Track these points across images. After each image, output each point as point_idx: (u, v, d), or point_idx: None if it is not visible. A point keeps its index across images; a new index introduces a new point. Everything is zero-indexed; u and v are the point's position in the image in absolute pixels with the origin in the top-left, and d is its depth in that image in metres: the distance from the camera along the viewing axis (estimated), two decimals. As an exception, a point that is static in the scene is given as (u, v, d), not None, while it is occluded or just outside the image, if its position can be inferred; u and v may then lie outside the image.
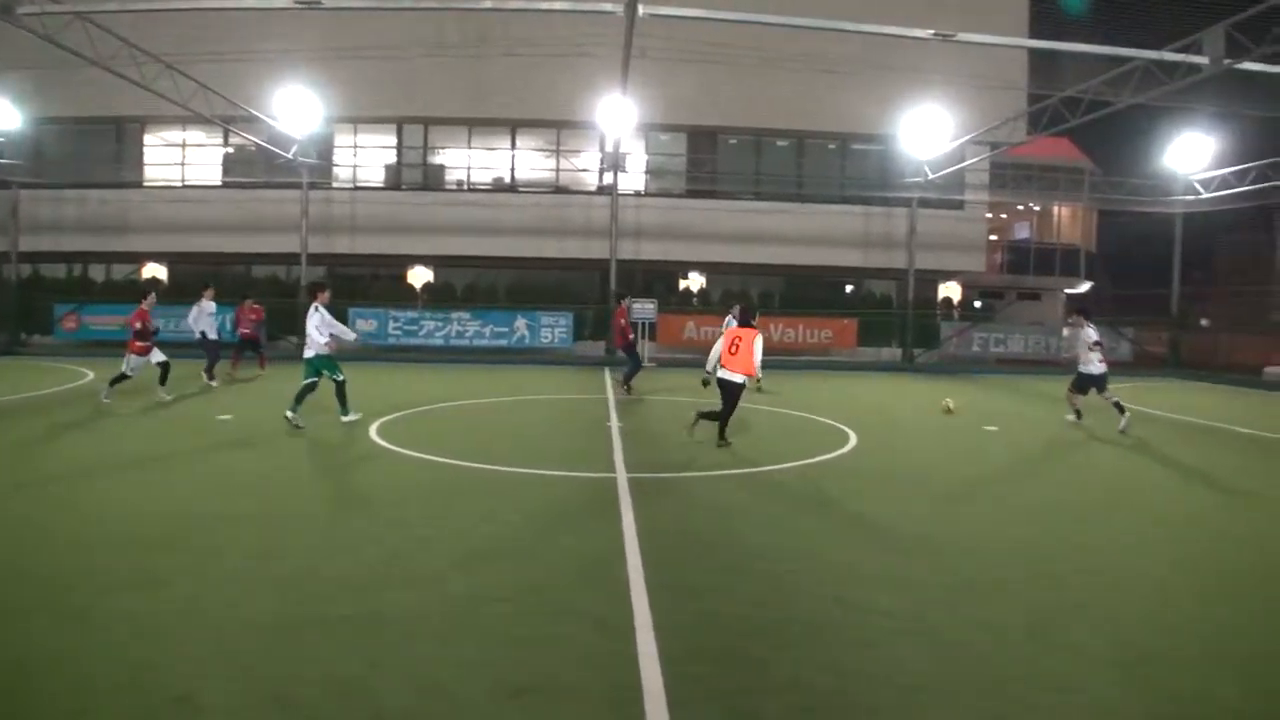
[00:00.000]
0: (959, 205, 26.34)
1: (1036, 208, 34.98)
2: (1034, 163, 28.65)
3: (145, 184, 27.18)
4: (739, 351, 9.54)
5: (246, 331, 16.51)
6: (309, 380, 10.63)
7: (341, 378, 10.86)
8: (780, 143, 26.90)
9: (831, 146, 27.04)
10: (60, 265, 27.82)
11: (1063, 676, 3.83)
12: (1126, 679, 3.82)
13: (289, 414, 10.43)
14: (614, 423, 11.61)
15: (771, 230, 25.41)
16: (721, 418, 9.73)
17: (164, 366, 12.83)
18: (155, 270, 27.14)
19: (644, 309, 22.18)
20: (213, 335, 15.49)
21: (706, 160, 26.38)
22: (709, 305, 26.05)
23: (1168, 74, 15.00)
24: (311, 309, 10.60)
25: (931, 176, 23.92)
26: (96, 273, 28.02)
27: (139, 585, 4.83)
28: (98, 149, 27.37)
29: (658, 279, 25.41)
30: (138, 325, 12.44)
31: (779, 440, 10.51)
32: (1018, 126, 21.28)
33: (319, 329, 10.45)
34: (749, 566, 5.31)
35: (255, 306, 16.91)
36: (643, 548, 5.61)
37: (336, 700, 3.50)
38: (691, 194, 26.28)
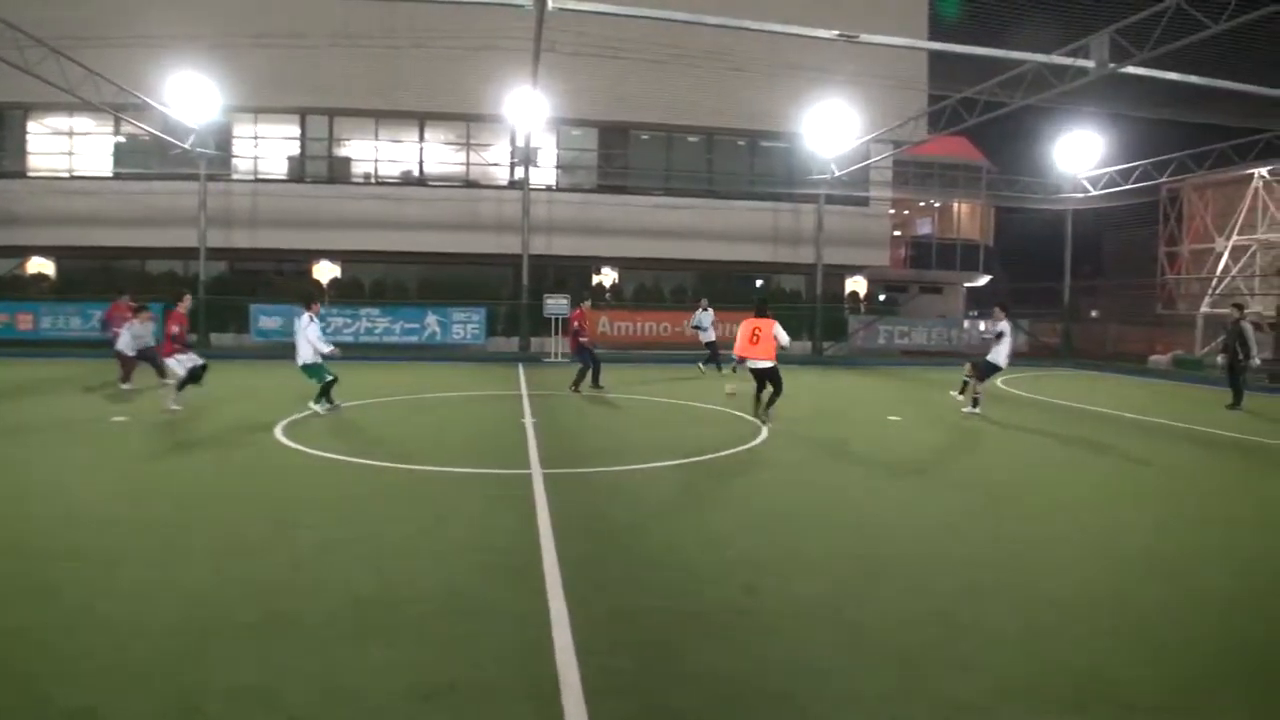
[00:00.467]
0: (864, 202, 27.07)
1: (938, 204, 36.26)
2: (935, 161, 29.72)
3: (30, 174, 25.75)
4: (760, 340, 10.72)
5: (118, 331, 14.72)
6: (328, 378, 11.56)
7: (331, 377, 11.62)
8: (691, 139, 27.17)
9: (741, 143, 27.43)
10: (-65, 260, 26.18)
11: (967, 655, 4.00)
12: (1027, 656, 4.02)
13: (319, 408, 11.29)
14: (528, 419, 11.57)
15: (683, 226, 25.67)
16: (773, 399, 11.18)
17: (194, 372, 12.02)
18: (42, 265, 25.79)
19: (557, 304, 22.13)
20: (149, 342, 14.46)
21: (618, 156, 26.49)
22: (622, 300, 26.16)
23: (1058, 77, 15.72)
24: (306, 319, 11.18)
25: (838, 174, 24.53)
26: (-24, 267, 26.44)
27: (29, 595, 4.63)
28: (-25, 137, 25.84)
29: (571, 274, 25.37)
30: (175, 329, 11.76)
31: (692, 434, 10.63)
32: (919, 126, 21.97)
33: (319, 340, 11.29)
34: (663, 559, 5.39)
35: (131, 305, 15.10)
36: (558, 543, 5.62)
37: (244, 709, 3.42)
38: (603, 189, 26.34)
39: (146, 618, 4.36)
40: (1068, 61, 15.33)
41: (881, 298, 31.00)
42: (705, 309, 19.50)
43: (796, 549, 5.67)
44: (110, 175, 25.72)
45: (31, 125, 25.89)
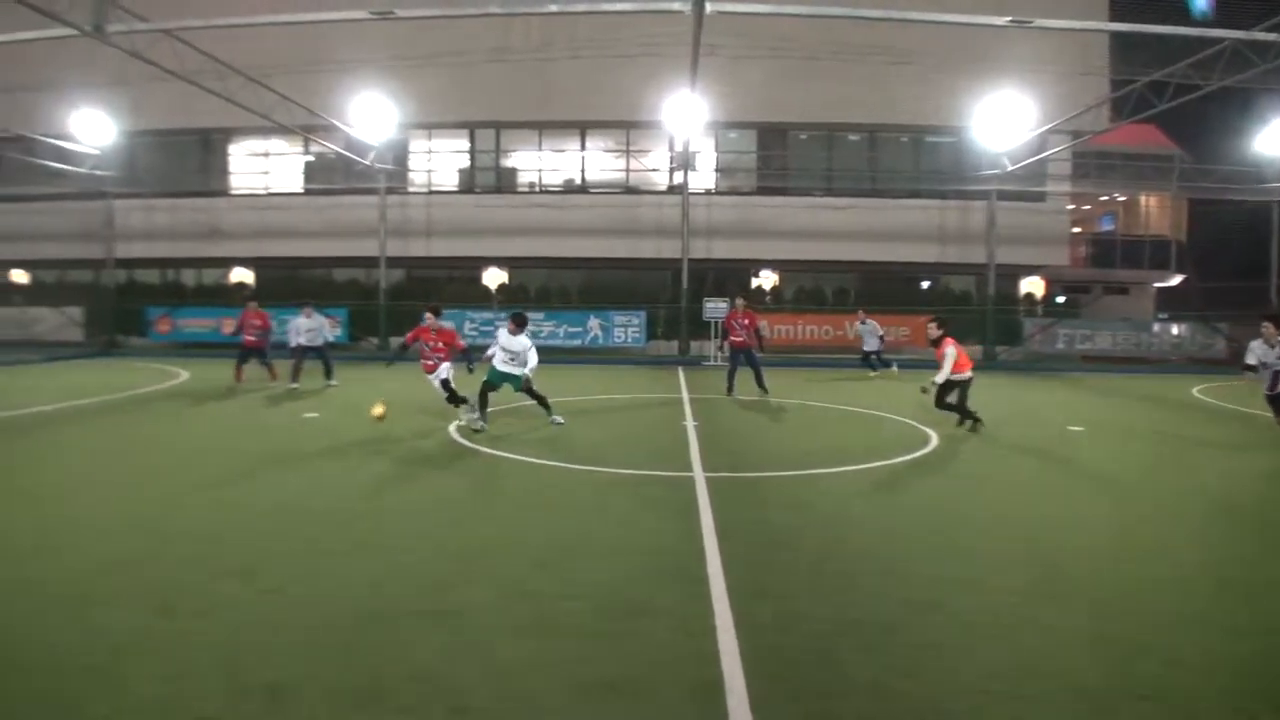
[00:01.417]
0: (1040, 197, 25.58)
1: (1122, 198, 33.75)
2: (1119, 151, 27.67)
3: (231, 192, 28.22)
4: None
5: (251, 339, 15.47)
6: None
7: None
8: (852, 137, 26.55)
9: (904, 139, 26.56)
10: (154, 271, 29.05)
11: (1143, 680, 3.69)
12: (1206, 684, 3.68)
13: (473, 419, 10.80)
14: (690, 422, 11.55)
15: (844, 226, 25.07)
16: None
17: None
18: (242, 275, 28.09)
19: (716, 308, 22.10)
20: (314, 344, 15.64)
21: (777, 157, 26.18)
22: (781, 303, 25.84)
23: (1259, 55, 14.35)
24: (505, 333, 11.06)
25: (1010, 168, 23.30)
26: (188, 277, 29.14)
27: (232, 574, 5.02)
28: (186, 159, 28.52)
29: (730, 277, 25.23)
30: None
31: (856, 440, 10.34)
32: (1100, 114, 20.64)
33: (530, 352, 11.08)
34: (828, 567, 5.24)
35: (261, 312, 15.85)
36: (721, 547, 5.57)
37: (417, 693, 3.56)
38: (762, 191, 26.11)
39: (331, 602, 4.63)
40: (1272, 38, 13.96)
41: (1060, 299, 29.21)
42: (864, 321, 19.04)
43: (967, 564, 5.36)
44: (301, 191, 27.81)
45: (232, 148, 28.33)
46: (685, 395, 14.85)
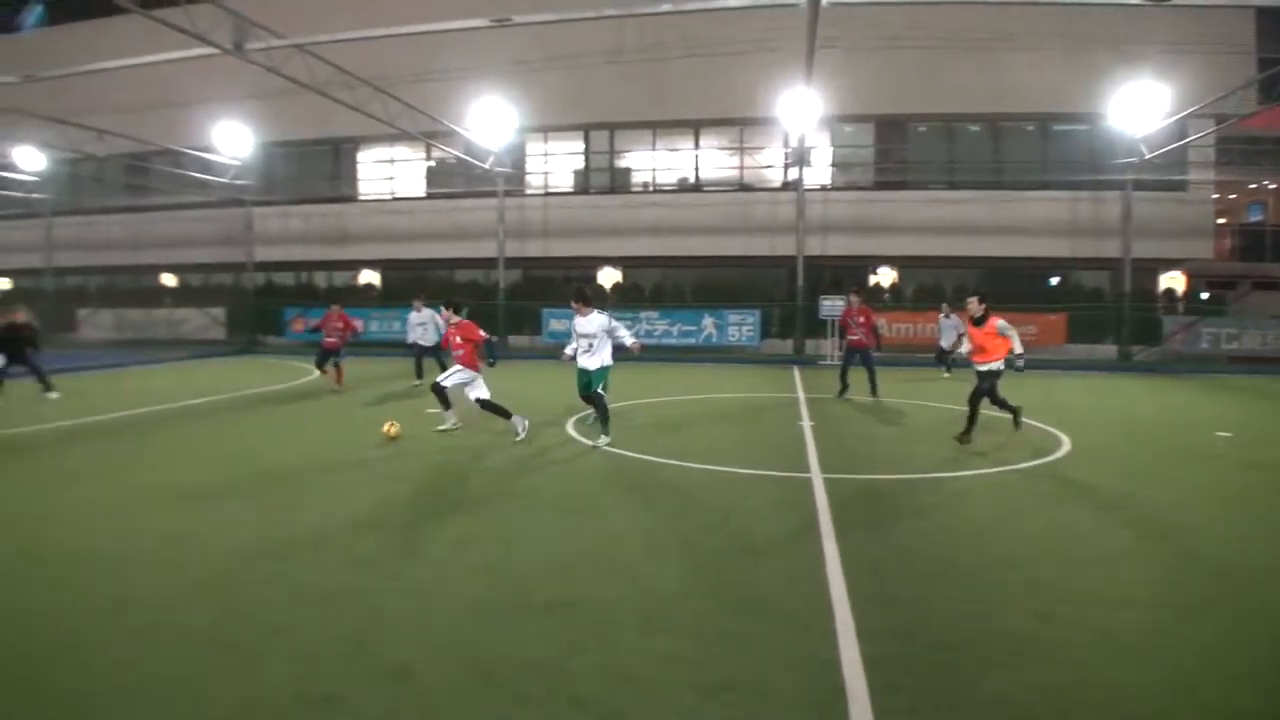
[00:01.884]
0: (1181, 186, 24.09)
1: (1272, 186, 31.46)
2: (1268, 136, 25.76)
3: (359, 198, 29.46)
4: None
5: (331, 340, 15.18)
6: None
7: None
8: (973, 128, 25.62)
9: (1030, 128, 25.43)
10: (289, 273, 30.63)
11: None
12: None
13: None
14: (806, 422, 11.43)
15: (967, 220, 24.23)
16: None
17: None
18: (370, 276, 29.33)
19: (832, 306, 21.75)
20: (425, 342, 15.70)
21: (895, 150, 25.52)
22: (900, 301, 25.21)
23: None
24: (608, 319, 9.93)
25: (1148, 156, 22.04)
26: (319, 279, 30.59)
27: (356, 564, 5.28)
28: (317, 168, 30.03)
29: (846, 274, 24.76)
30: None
31: (982, 444, 9.95)
32: (1247, 96, 19.27)
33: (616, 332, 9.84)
34: (952, 575, 5.10)
35: (344, 315, 15.74)
36: (841, 551, 5.50)
37: (537, 682, 3.67)
38: (880, 186, 25.48)
39: (451, 589, 4.82)
40: None
41: (1204, 295, 27.49)
42: (947, 315, 18.24)
43: (1101, 576, 5.11)
44: (423, 196, 28.79)
45: (360, 156, 29.56)
46: (801, 395, 14.69)
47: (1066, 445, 9.70)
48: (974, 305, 9.86)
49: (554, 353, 23.87)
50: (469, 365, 10.17)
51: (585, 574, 5.09)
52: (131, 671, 3.78)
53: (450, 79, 25.18)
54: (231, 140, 24.89)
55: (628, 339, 9.93)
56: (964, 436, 9.66)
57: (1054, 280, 25.77)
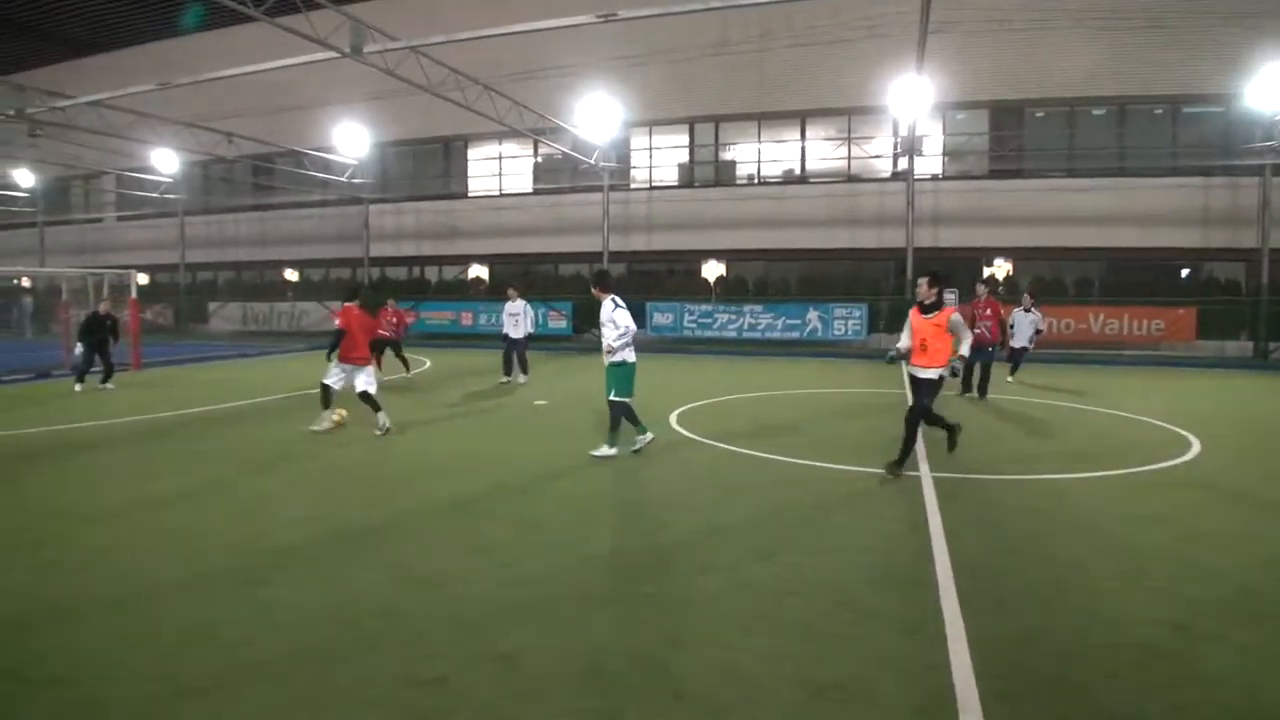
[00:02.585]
0: (1326, 170, 22.46)
1: None
2: None
3: (469, 194, 30.21)
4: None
5: (385, 333, 15.40)
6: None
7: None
8: (1096, 112, 24.38)
9: (1158, 112, 24.06)
10: (402, 268, 31.66)
11: None
12: None
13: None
14: None
15: (1088, 210, 23.13)
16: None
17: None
18: (479, 270, 30.06)
19: (947, 298, 21.17)
20: (515, 334, 15.27)
21: (1011, 137, 24.56)
22: (1017, 294, 24.26)
23: None
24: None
25: (1290, 139, 20.63)
26: (431, 274, 31.53)
27: (467, 551, 5.46)
28: (429, 166, 30.96)
29: (959, 266, 24.00)
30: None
31: (1102, 444, 9.53)
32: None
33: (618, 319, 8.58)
34: (1071, 581, 4.89)
35: (399, 310, 16.39)
36: (951, 552, 5.35)
37: (641, 675, 3.70)
38: (995, 174, 24.56)
39: (559, 579, 4.92)
40: None
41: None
42: (1029, 309, 15.45)
43: (1239, 588, 4.78)
44: (530, 191, 29.28)
45: (471, 153, 30.27)
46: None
47: (1196, 447, 9.18)
48: (923, 288, 7.64)
49: (658, 346, 24.24)
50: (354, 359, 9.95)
51: (686, 568, 5.11)
52: (253, 648, 4.00)
53: (557, 76, 25.57)
54: (349, 140, 25.83)
55: (610, 338, 8.50)
56: (894, 468, 7.66)
57: (1184, 272, 24.38)
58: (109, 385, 14.85)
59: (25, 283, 30.11)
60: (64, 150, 28.81)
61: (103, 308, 15.28)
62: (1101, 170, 23.57)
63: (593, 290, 8.85)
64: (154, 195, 32.24)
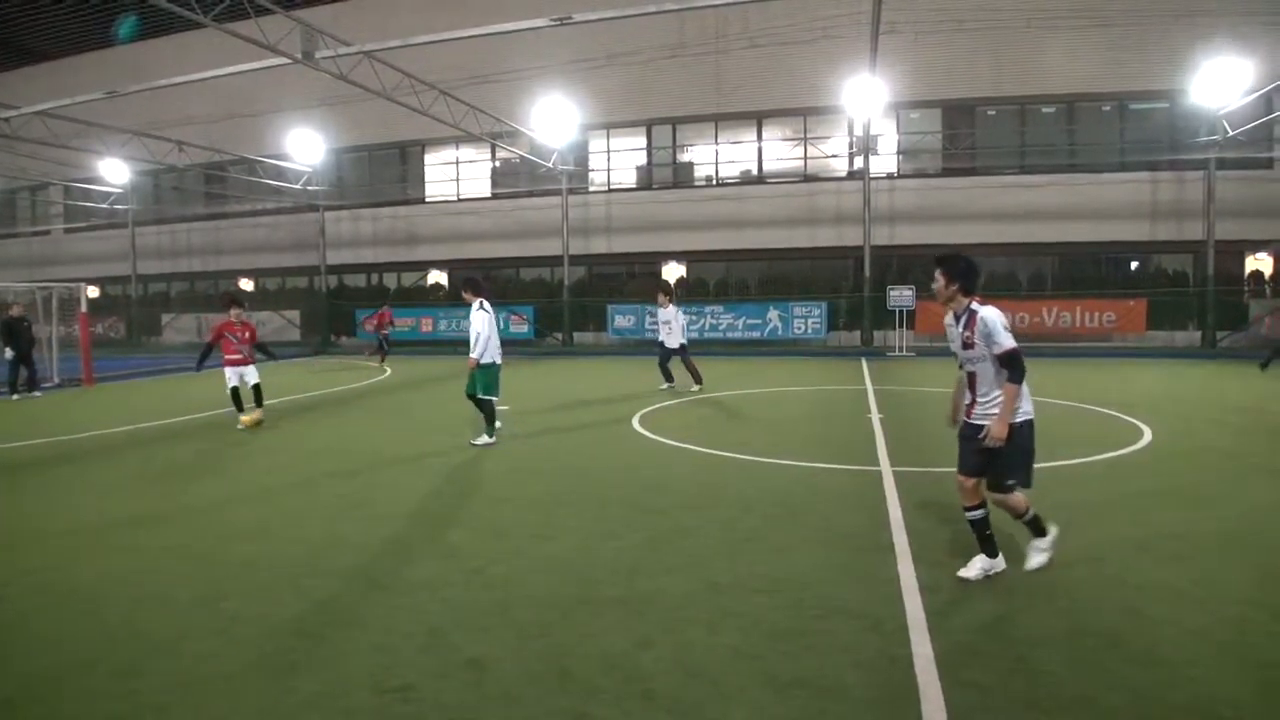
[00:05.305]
0: (1267, 164, 23.05)
1: (1370, 159, 29.95)
2: (1365, 107, 24.54)
3: (427, 200, 29.98)
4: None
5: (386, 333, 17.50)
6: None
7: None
8: (1046, 109, 24.85)
9: (1107, 108, 24.58)
10: (360, 275, 31.33)
11: None
12: None
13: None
14: (875, 414, 11.26)
15: (1041, 206, 23.58)
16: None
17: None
18: (438, 276, 29.83)
19: (901, 296, 21.44)
20: (669, 343, 14.31)
21: (964, 135, 24.95)
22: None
23: None
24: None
25: (1231, 133, 21.17)
26: (390, 280, 31.23)
27: (434, 556, 5.44)
28: (386, 171, 30.64)
29: (916, 265, 24.31)
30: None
31: (1057, 434, 9.60)
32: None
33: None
34: (1030, 571, 4.92)
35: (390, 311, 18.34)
36: (912, 546, 5.41)
37: (609, 676, 3.70)
38: (949, 172, 24.94)
39: (526, 583, 4.90)
40: None
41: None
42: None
43: (1189, 575, 4.86)
44: (488, 196, 29.14)
45: (427, 158, 30.06)
46: (870, 387, 14.47)
47: (1148, 436, 9.36)
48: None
49: (619, 349, 24.25)
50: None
51: (653, 569, 5.11)
52: (217, 661, 3.93)
53: (513, 80, 25.50)
54: (303, 147, 25.57)
55: (475, 348, 9.19)
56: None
57: (1133, 265, 24.93)
58: (36, 394, 14.99)
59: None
60: (8, 162, 28.19)
61: (15, 310, 15.33)
62: (1052, 167, 24.06)
63: (463, 295, 9.47)
64: (103, 206, 31.62)
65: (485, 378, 9.30)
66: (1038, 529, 4.94)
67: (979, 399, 4.81)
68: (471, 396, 9.50)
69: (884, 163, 25.36)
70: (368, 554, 5.54)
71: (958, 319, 4.84)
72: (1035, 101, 24.45)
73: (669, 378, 14.40)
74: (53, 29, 31.64)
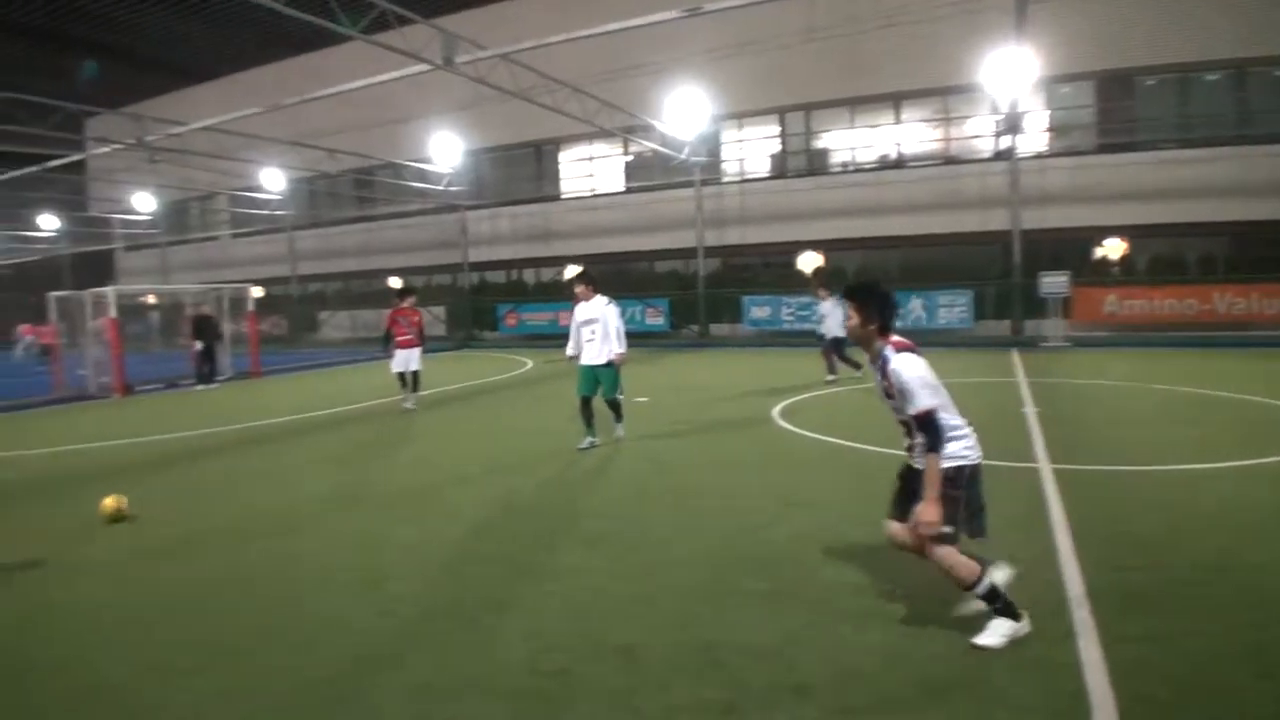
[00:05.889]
0: None
1: None
2: None
3: (562, 196, 30.61)
4: None
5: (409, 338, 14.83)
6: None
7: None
8: (1210, 76, 23.06)
9: (1281, 73, 22.62)
10: (500, 271, 32.32)
11: None
12: None
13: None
14: (1029, 408, 10.74)
15: (1209, 181, 21.86)
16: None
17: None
18: (573, 271, 30.40)
19: (1054, 283, 20.43)
20: (830, 334, 14.22)
21: (1120, 108, 23.44)
22: (1131, 275, 23.19)
23: None
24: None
25: None
26: (528, 276, 32.10)
27: (580, 545, 5.59)
28: (522, 170, 31.47)
29: (1069, 249, 23.06)
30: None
31: (1236, 432, 8.96)
32: None
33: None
34: (1209, 579, 4.60)
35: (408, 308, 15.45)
36: (1077, 548, 5.12)
37: (759, 668, 3.70)
38: (1104, 149, 23.47)
39: (671, 572, 4.97)
40: None
41: None
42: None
43: None
44: (622, 190, 29.47)
45: (562, 155, 30.67)
46: (1023, 379, 13.89)
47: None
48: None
49: (755, 341, 24.13)
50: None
51: (801, 563, 5.08)
52: (382, 640, 4.18)
53: (644, 73, 25.62)
54: (444, 150, 26.58)
55: (618, 346, 8.90)
56: None
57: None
58: (213, 385, 16.67)
59: (151, 300, 31.99)
60: (181, 174, 30.51)
61: (205, 309, 17.09)
62: (1221, 139, 22.26)
63: (579, 289, 8.94)
64: (264, 212, 33.76)
65: (611, 376, 8.97)
66: (1007, 610, 3.89)
67: (917, 443, 4.08)
68: (587, 399, 9.05)
69: (1032, 141, 24.16)
70: (517, 542, 5.75)
71: (872, 363, 4.16)
72: (1199, 69, 22.70)
73: (851, 364, 13.93)
74: (214, 51, 33.99)
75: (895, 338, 4.04)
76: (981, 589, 3.84)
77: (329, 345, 30.60)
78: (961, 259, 24.67)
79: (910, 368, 3.89)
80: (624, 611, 4.42)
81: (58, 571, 5.56)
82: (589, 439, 9.06)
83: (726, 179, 27.71)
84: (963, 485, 3.92)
